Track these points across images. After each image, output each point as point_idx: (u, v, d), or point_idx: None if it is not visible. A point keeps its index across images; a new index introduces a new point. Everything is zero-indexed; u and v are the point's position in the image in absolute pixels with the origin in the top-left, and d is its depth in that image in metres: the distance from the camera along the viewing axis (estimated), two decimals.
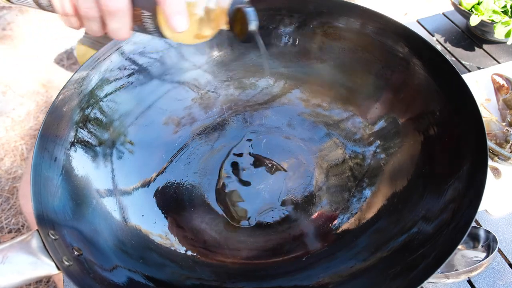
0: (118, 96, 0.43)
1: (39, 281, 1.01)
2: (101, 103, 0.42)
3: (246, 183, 0.45)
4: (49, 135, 0.36)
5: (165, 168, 0.46)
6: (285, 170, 0.46)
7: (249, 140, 0.49)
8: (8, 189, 1.20)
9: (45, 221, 0.30)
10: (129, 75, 0.44)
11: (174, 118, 0.48)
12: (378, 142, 0.44)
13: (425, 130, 0.40)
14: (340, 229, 0.41)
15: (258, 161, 0.47)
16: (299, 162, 0.47)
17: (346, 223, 0.41)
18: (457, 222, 0.31)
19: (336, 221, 0.42)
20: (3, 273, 0.26)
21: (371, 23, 0.43)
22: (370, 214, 0.40)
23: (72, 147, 0.38)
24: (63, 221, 0.32)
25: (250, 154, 0.48)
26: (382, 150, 0.44)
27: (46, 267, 0.28)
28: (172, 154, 0.47)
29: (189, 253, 0.39)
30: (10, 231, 1.11)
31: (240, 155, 0.48)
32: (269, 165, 0.47)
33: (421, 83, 0.41)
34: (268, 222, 0.43)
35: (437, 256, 0.30)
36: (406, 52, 0.42)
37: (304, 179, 0.45)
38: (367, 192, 0.42)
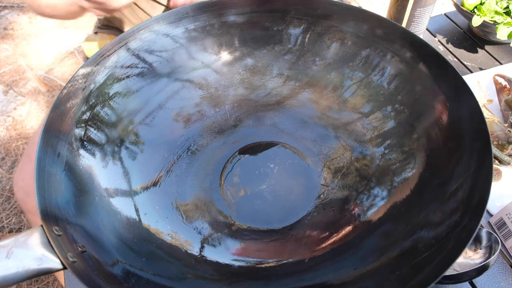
0: (125, 92, 0.43)
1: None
2: (107, 99, 0.42)
3: (251, 184, 0.45)
4: (53, 130, 0.35)
5: (172, 165, 0.46)
6: (291, 171, 0.46)
7: (256, 142, 0.49)
8: (9, 189, 1.20)
9: (49, 217, 0.30)
10: (137, 72, 0.44)
11: (183, 116, 0.48)
12: (386, 144, 0.44)
13: (428, 132, 0.40)
14: (344, 231, 0.41)
15: (264, 161, 0.47)
16: (306, 164, 0.47)
17: (350, 225, 0.41)
18: (462, 227, 0.31)
19: (340, 223, 0.42)
20: (9, 268, 0.27)
21: (377, 28, 0.43)
22: (376, 217, 0.40)
23: (76, 143, 0.38)
24: (66, 217, 0.32)
25: (257, 154, 0.48)
26: (389, 152, 0.44)
27: (51, 263, 0.28)
28: (179, 152, 0.47)
29: (191, 251, 0.39)
30: (11, 231, 1.11)
31: (247, 155, 0.48)
32: (275, 165, 0.47)
33: (424, 86, 0.41)
34: (271, 223, 0.43)
35: (442, 260, 0.29)
36: (410, 56, 0.42)
37: (309, 181, 0.46)
38: (374, 194, 0.42)
